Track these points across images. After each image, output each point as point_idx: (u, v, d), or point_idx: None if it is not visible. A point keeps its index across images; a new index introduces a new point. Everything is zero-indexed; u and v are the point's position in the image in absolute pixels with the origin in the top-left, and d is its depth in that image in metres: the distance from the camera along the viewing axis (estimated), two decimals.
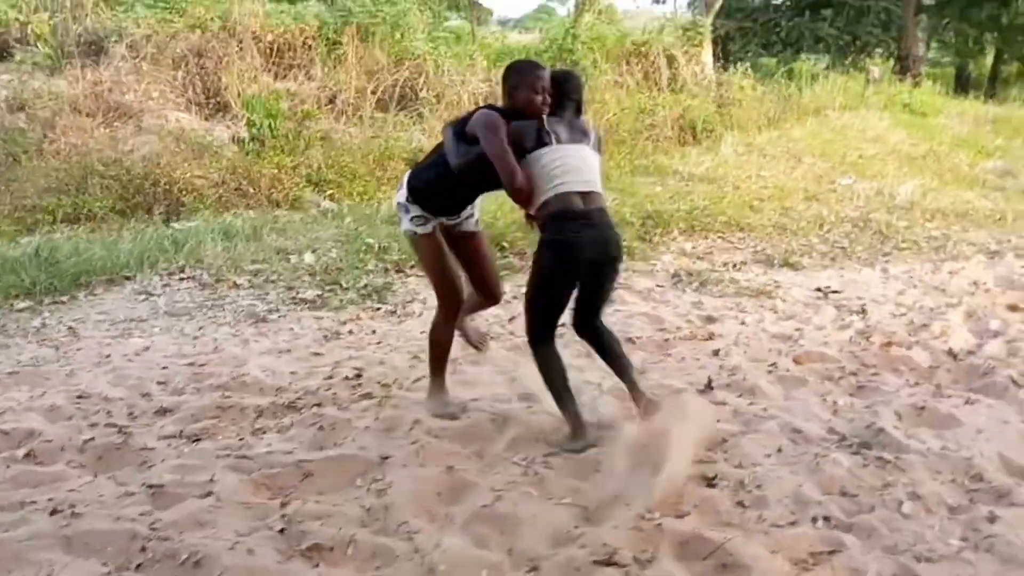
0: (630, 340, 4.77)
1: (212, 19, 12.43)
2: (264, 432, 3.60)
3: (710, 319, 5.22)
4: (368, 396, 3.97)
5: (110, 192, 8.11)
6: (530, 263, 3.65)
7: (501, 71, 3.50)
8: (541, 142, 3.30)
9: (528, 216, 3.61)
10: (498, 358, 4.51)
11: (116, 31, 12.34)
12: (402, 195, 3.53)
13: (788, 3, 22.66)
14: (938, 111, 14.94)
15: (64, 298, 5.25)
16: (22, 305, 5.09)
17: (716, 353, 4.54)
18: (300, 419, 3.72)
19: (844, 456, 3.21)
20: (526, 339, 3.53)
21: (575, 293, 3.44)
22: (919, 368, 4.34)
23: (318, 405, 3.88)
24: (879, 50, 22.45)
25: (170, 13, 12.48)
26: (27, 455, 3.30)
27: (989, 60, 25.16)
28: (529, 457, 3.26)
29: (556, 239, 3.32)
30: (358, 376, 4.24)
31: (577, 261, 3.32)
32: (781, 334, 4.94)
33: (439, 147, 3.53)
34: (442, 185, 3.43)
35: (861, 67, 20.14)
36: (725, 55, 19.35)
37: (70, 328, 4.85)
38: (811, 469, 3.14)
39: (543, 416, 3.67)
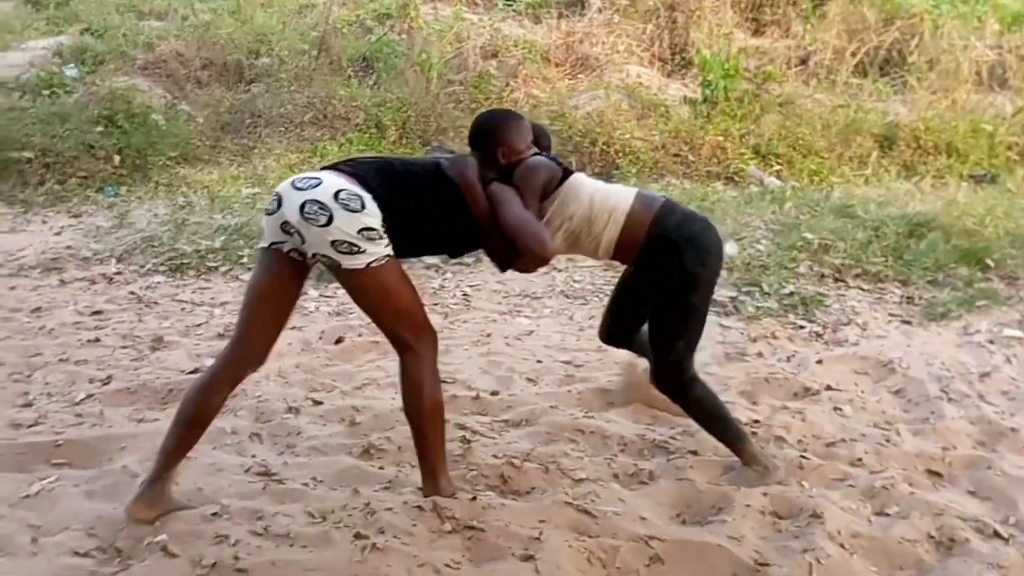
0: None
1: None
2: (619, 478, 2.94)
3: None
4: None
5: None
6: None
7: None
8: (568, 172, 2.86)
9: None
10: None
11: None
12: (373, 213, 2.44)
13: None
14: None
15: (470, 260, 5.06)
16: (431, 260, 4.99)
17: None
18: (665, 469, 2.98)
19: None
20: (674, 387, 2.88)
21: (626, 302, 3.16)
22: None
23: (693, 453, 3.11)
24: None
25: None
26: (365, 451, 3.03)
27: None
28: None
29: (703, 229, 2.95)
30: (755, 423, 3.36)
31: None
32: None
33: (411, 170, 2.65)
34: (426, 223, 2.61)
35: None
36: None
37: (464, 295, 4.62)
38: None
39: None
